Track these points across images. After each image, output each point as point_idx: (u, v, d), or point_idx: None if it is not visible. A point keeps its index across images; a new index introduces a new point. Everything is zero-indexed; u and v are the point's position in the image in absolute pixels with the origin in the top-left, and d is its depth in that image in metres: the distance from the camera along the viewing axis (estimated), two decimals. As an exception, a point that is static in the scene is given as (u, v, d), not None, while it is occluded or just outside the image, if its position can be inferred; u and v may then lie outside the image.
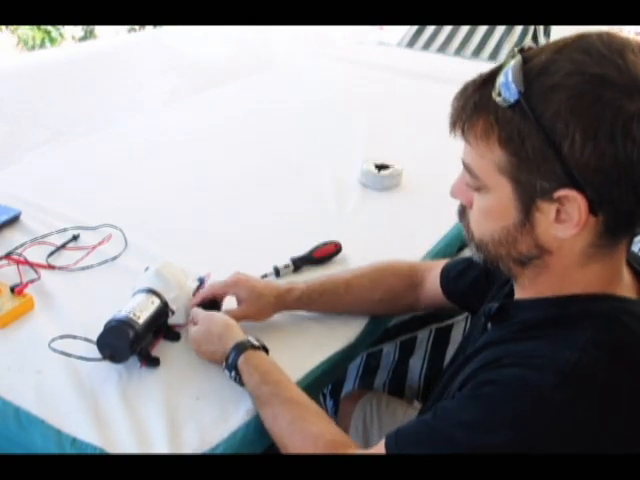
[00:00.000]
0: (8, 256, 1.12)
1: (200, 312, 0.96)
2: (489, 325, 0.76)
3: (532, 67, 0.60)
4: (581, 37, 0.61)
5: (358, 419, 1.31)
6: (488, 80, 0.64)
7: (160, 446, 0.80)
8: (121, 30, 4.68)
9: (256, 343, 0.89)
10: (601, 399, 0.59)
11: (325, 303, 1.04)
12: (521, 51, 0.63)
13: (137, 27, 4.71)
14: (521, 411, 0.60)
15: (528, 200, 0.63)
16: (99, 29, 5.21)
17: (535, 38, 3.25)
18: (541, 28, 3.24)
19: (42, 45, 4.97)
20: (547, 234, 0.64)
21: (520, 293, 0.73)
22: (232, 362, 0.86)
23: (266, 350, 0.90)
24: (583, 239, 0.64)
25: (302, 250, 1.19)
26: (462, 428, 0.63)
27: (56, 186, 1.44)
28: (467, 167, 0.68)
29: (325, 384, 1.04)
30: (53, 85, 2.39)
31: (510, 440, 0.60)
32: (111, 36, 4.72)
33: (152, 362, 0.91)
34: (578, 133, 0.57)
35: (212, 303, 1.01)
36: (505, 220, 0.66)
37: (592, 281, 0.66)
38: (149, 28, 4.39)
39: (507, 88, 0.60)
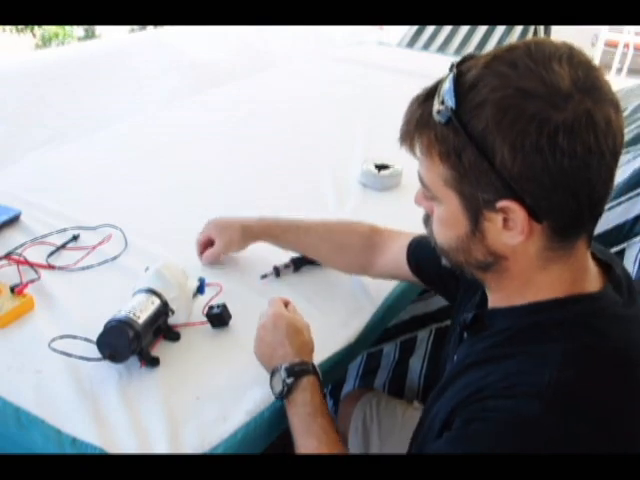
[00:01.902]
0: (8, 256, 1.12)
1: (272, 304, 0.95)
2: (465, 334, 0.78)
3: (464, 83, 0.62)
4: (510, 49, 0.62)
5: (358, 419, 1.31)
6: (430, 95, 0.66)
7: (160, 446, 0.80)
8: (122, 30, 4.69)
9: (319, 373, 0.87)
10: (587, 412, 0.60)
11: (287, 240, 1.15)
12: (460, 64, 0.65)
13: (137, 27, 4.72)
14: (515, 444, 0.60)
15: (475, 211, 0.65)
16: (99, 29, 5.23)
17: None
18: (541, 28, 3.24)
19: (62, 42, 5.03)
20: (498, 242, 0.66)
21: (491, 300, 0.75)
22: (299, 371, 0.84)
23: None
24: (534, 244, 0.65)
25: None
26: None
27: (56, 186, 1.44)
28: (420, 178, 0.70)
29: (325, 384, 1.04)
30: (53, 85, 2.39)
31: None
32: (112, 36, 4.73)
33: (152, 362, 0.91)
34: (506, 147, 0.59)
35: (218, 318, 1.00)
36: (458, 229, 0.68)
37: (556, 282, 0.68)
38: (150, 28, 4.39)
39: (442, 105, 0.62)
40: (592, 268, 0.71)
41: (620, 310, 0.68)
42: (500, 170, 0.60)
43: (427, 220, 0.75)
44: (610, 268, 0.72)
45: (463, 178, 0.64)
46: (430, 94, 0.66)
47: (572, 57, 0.61)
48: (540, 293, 0.68)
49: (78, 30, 5.25)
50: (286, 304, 0.97)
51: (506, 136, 0.59)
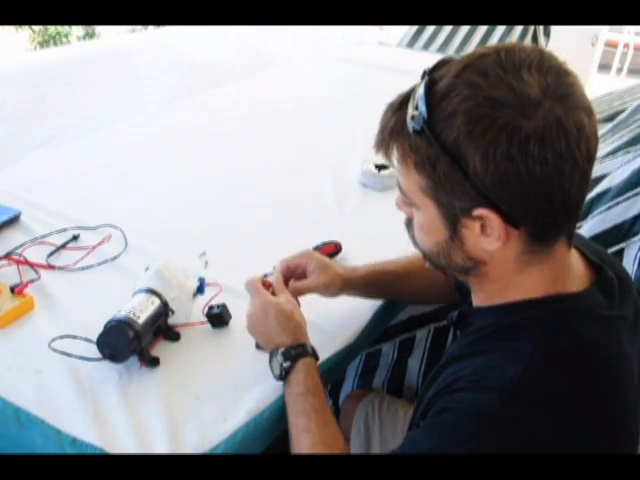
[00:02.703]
0: (8, 256, 1.13)
1: (256, 293, 0.93)
2: (458, 332, 0.80)
3: (436, 92, 0.62)
4: (480, 57, 0.63)
5: (359, 419, 1.31)
6: (403, 103, 0.66)
7: (160, 446, 0.80)
8: (122, 30, 4.69)
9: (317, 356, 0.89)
10: (548, 410, 0.61)
11: (384, 286, 1.06)
12: (432, 71, 0.65)
13: (138, 27, 4.71)
14: (473, 434, 0.62)
15: (452, 218, 0.66)
16: (99, 29, 5.23)
17: (535, 38, 3.25)
18: (541, 28, 3.24)
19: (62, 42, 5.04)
20: (476, 247, 0.67)
21: (475, 299, 0.76)
22: (297, 354, 0.85)
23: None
24: (513, 248, 0.66)
25: (302, 250, 1.18)
26: (417, 449, 0.65)
27: (56, 186, 1.44)
28: (398, 185, 0.72)
29: (325, 384, 1.04)
30: (53, 85, 2.39)
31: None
32: (112, 36, 4.72)
33: (152, 362, 0.91)
34: (478, 157, 0.60)
35: (218, 318, 1.00)
36: (437, 236, 0.69)
37: (535, 284, 0.68)
38: (150, 28, 4.39)
39: (413, 117, 0.63)
40: (578, 268, 0.72)
41: (601, 311, 0.68)
42: (474, 179, 0.61)
43: (409, 224, 0.76)
44: (601, 269, 0.72)
45: (439, 187, 0.64)
46: (404, 102, 0.66)
47: (542, 63, 0.61)
48: (519, 293, 0.69)
49: (77, 29, 5.25)
50: (268, 286, 0.96)
51: (478, 146, 0.60)
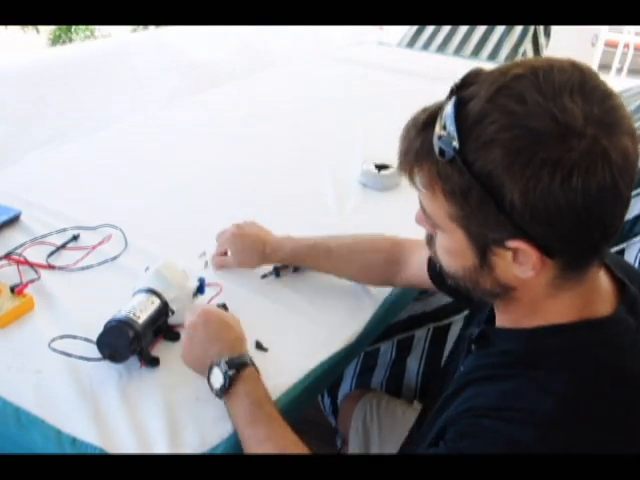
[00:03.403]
0: (8, 256, 1.12)
1: (199, 305, 0.95)
2: (473, 347, 0.76)
3: (466, 116, 0.58)
4: (515, 78, 0.58)
5: (358, 419, 1.31)
6: (428, 124, 0.62)
7: (160, 446, 0.80)
8: (122, 30, 4.69)
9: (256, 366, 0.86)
10: (580, 447, 0.59)
11: (307, 266, 1.14)
12: (460, 88, 0.61)
13: (138, 27, 4.72)
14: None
15: (482, 246, 0.63)
16: (99, 30, 5.23)
17: (535, 38, 3.25)
18: (541, 28, 3.24)
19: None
20: (507, 274, 0.64)
21: (499, 319, 0.73)
22: (238, 363, 0.83)
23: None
24: (546, 275, 0.63)
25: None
26: None
27: (56, 186, 1.44)
28: (421, 206, 0.68)
29: (325, 384, 1.04)
30: (53, 85, 2.39)
31: None
32: (112, 37, 4.73)
33: (152, 362, 0.91)
34: (517, 192, 0.56)
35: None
36: (464, 261, 0.66)
37: (566, 308, 0.66)
38: (150, 28, 4.39)
39: (444, 140, 0.59)
40: (605, 287, 0.68)
41: (631, 336, 0.66)
42: (510, 213, 0.57)
43: (430, 240, 0.72)
44: (624, 286, 0.69)
45: (470, 217, 0.61)
46: (429, 121, 0.62)
47: (584, 86, 0.57)
48: (548, 318, 0.66)
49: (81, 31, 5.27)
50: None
51: (517, 181, 0.56)
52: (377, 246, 1.12)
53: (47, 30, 5.35)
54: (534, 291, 0.65)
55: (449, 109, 0.59)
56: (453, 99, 0.59)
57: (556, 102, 0.55)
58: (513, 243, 0.60)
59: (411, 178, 0.65)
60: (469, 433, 0.62)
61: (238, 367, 0.83)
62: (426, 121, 0.63)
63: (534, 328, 0.67)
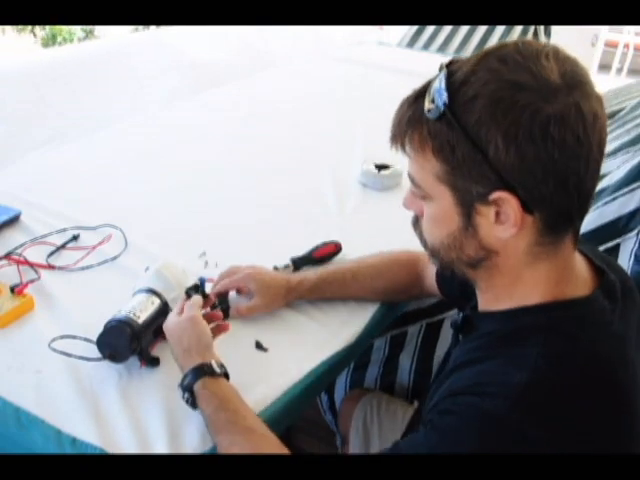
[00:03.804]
0: (8, 256, 1.13)
1: (190, 308, 0.91)
2: (460, 337, 0.79)
3: (455, 80, 0.64)
4: (499, 47, 0.64)
5: (358, 420, 1.31)
6: (420, 95, 0.67)
7: (160, 446, 0.80)
8: (122, 30, 4.69)
9: (217, 370, 0.83)
10: (551, 418, 0.61)
11: (334, 292, 1.09)
12: (449, 65, 0.66)
13: (138, 27, 4.71)
14: (475, 435, 0.62)
15: (468, 205, 0.66)
16: (99, 31, 5.23)
17: (535, 38, 3.25)
18: (541, 28, 3.24)
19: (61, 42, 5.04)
20: (490, 236, 0.67)
21: (481, 302, 0.76)
22: (187, 385, 0.82)
23: (227, 376, 0.85)
24: (525, 238, 0.66)
25: (302, 250, 1.19)
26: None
27: (56, 186, 1.44)
28: (411, 178, 0.71)
29: (325, 384, 1.04)
30: (53, 85, 2.39)
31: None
32: (112, 37, 4.73)
33: (152, 362, 0.91)
34: (500, 137, 0.61)
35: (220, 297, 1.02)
36: (450, 226, 0.69)
37: (543, 281, 0.69)
38: (150, 28, 4.40)
39: (434, 102, 0.64)
40: (583, 272, 0.72)
41: (604, 316, 0.69)
42: (494, 161, 0.62)
43: (416, 222, 0.76)
44: (604, 273, 0.73)
45: (456, 171, 0.65)
46: (420, 94, 0.67)
47: (558, 53, 0.63)
48: (526, 294, 0.70)
49: (77, 31, 5.26)
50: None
51: (499, 127, 0.60)
52: (401, 262, 1.12)
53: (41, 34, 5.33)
54: (514, 257, 0.68)
55: (440, 76, 0.65)
56: (444, 70, 0.65)
57: (534, 61, 0.62)
58: (496, 194, 0.63)
59: (402, 146, 0.70)
60: (447, 410, 0.66)
61: (185, 388, 0.82)
62: (417, 94, 0.68)
63: (512, 309, 0.70)
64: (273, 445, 0.77)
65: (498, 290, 0.72)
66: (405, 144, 0.69)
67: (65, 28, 5.27)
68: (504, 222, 0.65)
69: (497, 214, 0.65)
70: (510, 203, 0.63)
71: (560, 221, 0.66)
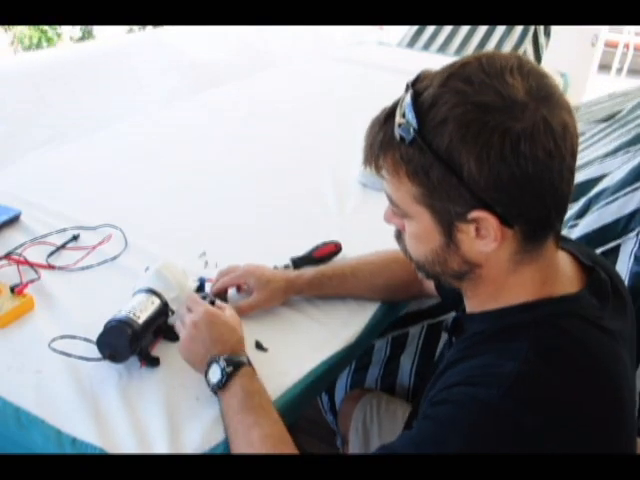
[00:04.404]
0: (8, 256, 1.12)
1: (200, 303, 0.92)
2: (453, 339, 0.81)
3: (423, 102, 0.64)
4: (462, 65, 0.65)
5: (358, 420, 1.31)
6: (389, 116, 0.68)
7: (160, 446, 0.80)
8: (121, 30, 4.68)
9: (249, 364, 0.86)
10: (544, 405, 0.62)
11: (333, 287, 1.08)
12: (415, 83, 0.67)
13: (137, 27, 4.71)
14: (470, 424, 0.63)
15: (447, 224, 0.67)
16: (98, 31, 5.22)
17: (535, 38, 3.25)
18: (541, 28, 3.25)
19: (39, 45, 4.98)
20: (472, 250, 0.68)
21: (468, 306, 0.78)
22: (238, 362, 0.84)
23: None
24: (507, 249, 0.68)
25: (302, 250, 1.19)
26: (415, 445, 0.66)
27: (56, 186, 1.44)
28: (388, 197, 0.72)
29: (325, 384, 1.04)
30: (53, 85, 2.39)
31: (461, 449, 0.62)
32: (110, 37, 4.72)
33: (152, 362, 0.91)
34: (472, 160, 0.61)
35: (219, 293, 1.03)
36: (432, 243, 0.70)
37: (528, 283, 0.70)
38: (149, 28, 4.39)
39: (403, 127, 0.64)
40: (569, 271, 0.73)
41: (592, 312, 0.70)
42: (469, 183, 0.63)
43: (399, 236, 0.77)
44: (593, 271, 0.74)
45: (433, 193, 0.66)
46: (389, 115, 0.68)
47: (522, 67, 0.64)
48: (512, 296, 0.71)
49: (74, 31, 5.24)
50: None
51: (471, 149, 0.61)
52: (400, 261, 1.09)
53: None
54: (497, 267, 0.69)
55: (407, 99, 0.65)
56: (410, 90, 0.66)
57: (499, 79, 0.62)
58: (474, 214, 0.64)
59: (377, 169, 0.70)
60: (441, 401, 0.67)
61: (236, 365, 0.84)
62: (387, 115, 0.68)
63: (500, 309, 0.72)
64: (289, 440, 0.79)
65: (484, 297, 0.74)
66: (379, 167, 0.70)
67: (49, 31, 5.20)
68: (485, 237, 0.66)
69: (477, 230, 0.66)
70: (489, 221, 0.64)
71: (540, 229, 0.68)
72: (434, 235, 0.69)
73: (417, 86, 0.66)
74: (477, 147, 0.61)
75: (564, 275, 0.72)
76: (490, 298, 0.73)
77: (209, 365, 0.85)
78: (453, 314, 1.25)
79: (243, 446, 0.78)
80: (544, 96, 0.62)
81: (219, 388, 0.83)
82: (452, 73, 0.64)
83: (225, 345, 0.87)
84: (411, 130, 0.63)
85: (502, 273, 0.70)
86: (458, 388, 0.67)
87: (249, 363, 0.86)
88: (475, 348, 0.71)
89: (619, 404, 0.67)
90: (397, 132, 0.65)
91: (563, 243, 0.78)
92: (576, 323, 0.68)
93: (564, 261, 0.74)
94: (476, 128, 0.61)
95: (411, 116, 0.63)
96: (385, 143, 0.68)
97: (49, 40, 5.06)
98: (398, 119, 0.65)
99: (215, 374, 0.84)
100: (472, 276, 0.71)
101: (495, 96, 0.61)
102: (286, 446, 0.78)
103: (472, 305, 0.77)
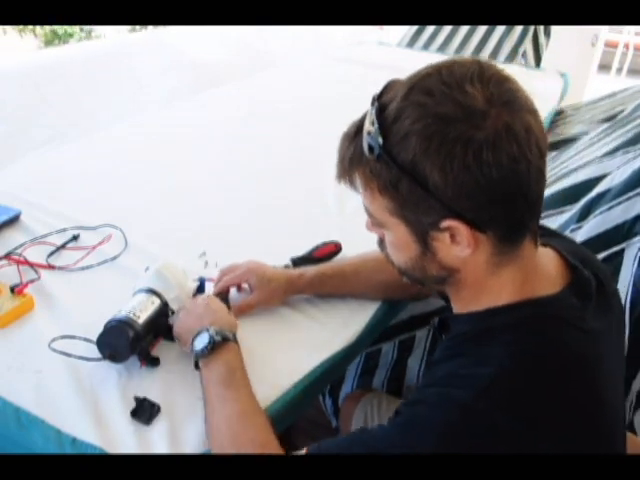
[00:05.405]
0: (8, 256, 1.13)
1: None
2: (443, 337, 0.82)
3: (387, 117, 0.65)
4: (423, 77, 0.65)
5: (359, 420, 1.31)
6: (358, 130, 0.69)
7: (160, 446, 0.80)
8: (121, 30, 4.69)
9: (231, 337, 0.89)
10: (518, 407, 0.63)
11: (334, 286, 1.09)
12: (380, 96, 0.68)
13: (137, 27, 4.72)
14: (443, 422, 0.64)
15: (421, 233, 0.69)
16: (98, 31, 5.23)
17: (535, 38, 3.25)
18: (541, 28, 3.24)
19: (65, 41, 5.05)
20: (449, 256, 0.69)
21: (454, 307, 0.79)
22: (227, 335, 0.87)
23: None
24: (483, 253, 0.68)
25: (302, 250, 1.19)
26: (384, 443, 0.67)
27: (56, 186, 1.44)
28: (365, 209, 0.74)
29: (325, 384, 1.04)
30: (53, 85, 2.40)
31: (433, 449, 0.63)
32: (110, 37, 4.73)
33: (152, 362, 0.91)
34: (436, 172, 0.62)
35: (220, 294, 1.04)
36: (409, 252, 0.72)
37: (508, 284, 0.71)
38: (149, 28, 4.40)
39: (369, 143, 0.66)
40: (551, 270, 0.74)
41: (572, 313, 0.70)
42: (436, 194, 0.63)
43: (381, 243, 0.77)
44: (576, 270, 0.74)
45: (404, 206, 0.67)
46: (358, 130, 0.69)
47: (482, 74, 0.64)
48: (494, 298, 0.71)
49: (76, 31, 5.26)
50: None
51: (434, 162, 0.62)
52: None
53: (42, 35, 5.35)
54: (476, 271, 0.70)
55: (372, 114, 0.66)
56: (375, 104, 0.67)
57: (459, 89, 0.63)
58: (445, 223, 0.65)
59: (351, 183, 0.72)
60: (415, 401, 0.69)
61: (224, 337, 0.87)
62: (356, 130, 0.70)
63: (480, 311, 0.72)
64: (264, 417, 0.82)
65: (467, 299, 0.74)
66: (353, 181, 0.72)
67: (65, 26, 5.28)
68: (459, 243, 0.67)
69: (452, 236, 0.67)
70: (460, 229, 0.65)
71: (514, 231, 0.68)
72: (411, 244, 0.70)
73: (383, 99, 0.67)
74: (440, 159, 0.62)
75: (545, 274, 0.73)
76: (473, 300, 0.73)
77: (198, 333, 0.88)
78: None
79: (218, 419, 0.80)
80: (505, 101, 0.63)
81: (202, 355, 0.85)
82: (413, 85, 0.65)
83: (217, 320, 0.90)
84: (377, 145, 0.65)
85: (481, 276, 0.71)
86: (432, 389, 0.68)
87: (236, 341, 0.89)
88: (456, 349, 0.72)
89: (598, 404, 0.68)
90: (365, 147, 0.66)
91: (549, 239, 0.79)
92: (555, 326, 0.69)
93: (547, 259, 0.75)
94: (438, 140, 0.62)
95: (376, 131, 0.65)
96: (355, 159, 0.69)
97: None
98: (365, 134, 0.66)
99: (202, 341, 0.86)
100: (452, 280, 0.72)
101: (455, 107, 0.62)
102: (257, 419, 0.80)
103: (456, 307, 0.78)
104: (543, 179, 0.67)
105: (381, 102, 0.67)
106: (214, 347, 0.85)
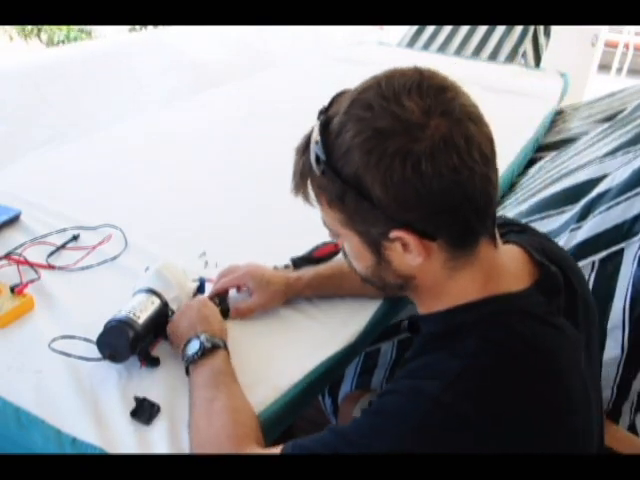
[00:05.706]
0: (8, 256, 1.13)
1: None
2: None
3: (331, 132, 0.66)
4: (363, 90, 0.66)
5: (358, 419, 1.31)
6: (306, 147, 0.70)
7: (160, 446, 0.80)
8: (121, 30, 4.69)
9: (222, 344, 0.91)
10: (485, 398, 0.64)
11: (333, 286, 1.09)
12: (327, 109, 0.70)
13: (137, 27, 4.72)
14: (411, 413, 0.65)
15: (374, 244, 0.70)
16: (98, 31, 5.23)
17: (535, 38, 3.25)
18: (541, 28, 3.24)
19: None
20: (403, 265, 0.70)
21: (418, 309, 0.79)
22: (218, 343, 0.89)
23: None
24: (437, 259, 0.69)
25: (302, 250, 1.19)
26: (357, 433, 0.67)
27: (56, 186, 1.44)
28: (322, 220, 0.75)
29: (325, 384, 1.04)
30: (53, 85, 2.40)
31: (402, 438, 0.64)
32: (111, 37, 4.73)
33: (152, 362, 0.91)
34: (377, 185, 0.63)
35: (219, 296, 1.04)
36: (365, 261, 0.73)
37: (468, 286, 0.71)
38: (149, 28, 4.40)
39: (315, 159, 0.67)
40: (516, 268, 0.74)
41: (538, 308, 0.71)
42: (380, 206, 0.64)
43: (343, 252, 0.78)
44: (543, 266, 0.75)
45: (353, 218, 0.68)
46: (307, 144, 0.70)
47: (421, 85, 0.64)
48: (455, 298, 0.72)
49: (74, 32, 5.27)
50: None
51: (375, 176, 0.63)
52: None
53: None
54: (432, 276, 0.71)
55: (316, 129, 0.68)
56: (321, 118, 0.69)
57: (396, 103, 0.63)
58: (394, 234, 0.66)
59: (305, 197, 0.73)
60: (388, 391, 0.70)
61: (215, 344, 0.88)
62: (305, 144, 0.71)
63: (445, 310, 0.73)
64: (251, 411, 0.83)
65: (428, 302, 0.76)
66: (306, 194, 0.72)
67: (64, 29, 5.29)
68: (411, 252, 0.68)
69: (403, 245, 0.67)
70: (408, 238, 0.66)
71: (465, 236, 0.68)
72: (365, 254, 0.71)
73: (329, 112, 0.69)
74: (380, 173, 0.62)
75: (510, 272, 0.73)
76: (434, 301, 0.74)
77: (189, 340, 0.89)
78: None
79: (198, 417, 0.81)
80: (443, 111, 0.63)
81: (192, 361, 0.87)
82: (354, 99, 0.66)
83: (209, 326, 0.91)
84: (322, 160, 0.66)
85: (439, 281, 0.71)
86: (403, 381, 0.70)
87: (226, 348, 0.90)
88: (424, 347, 0.74)
89: (566, 396, 0.68)
90: (312, 162, 0.68)
91: (517, 236, 0.79)
92: (520, 318, 0.69)
93: (513, 257, 0.75)
94: (377, 155, 0.62)
95: (320, 146, 0.66)
96: (305, 174, 0.70)
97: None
98: (311, 149, 0.68)
99: (193, 347, 0.88)
100: (410, 286, 0.73)
101: (393, 120, 0.62)
102: (236, 416, 0.81)
103: (421, 309, 0.78)
104: (491, 185, 0.67)
105: (327, 115, 0.68)
106: (204, 353, 0.87)
